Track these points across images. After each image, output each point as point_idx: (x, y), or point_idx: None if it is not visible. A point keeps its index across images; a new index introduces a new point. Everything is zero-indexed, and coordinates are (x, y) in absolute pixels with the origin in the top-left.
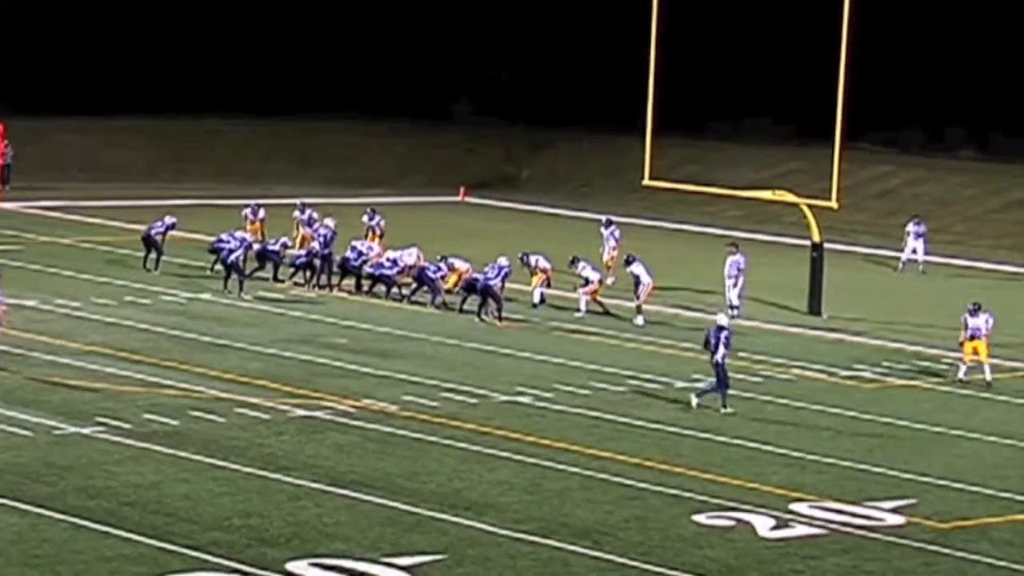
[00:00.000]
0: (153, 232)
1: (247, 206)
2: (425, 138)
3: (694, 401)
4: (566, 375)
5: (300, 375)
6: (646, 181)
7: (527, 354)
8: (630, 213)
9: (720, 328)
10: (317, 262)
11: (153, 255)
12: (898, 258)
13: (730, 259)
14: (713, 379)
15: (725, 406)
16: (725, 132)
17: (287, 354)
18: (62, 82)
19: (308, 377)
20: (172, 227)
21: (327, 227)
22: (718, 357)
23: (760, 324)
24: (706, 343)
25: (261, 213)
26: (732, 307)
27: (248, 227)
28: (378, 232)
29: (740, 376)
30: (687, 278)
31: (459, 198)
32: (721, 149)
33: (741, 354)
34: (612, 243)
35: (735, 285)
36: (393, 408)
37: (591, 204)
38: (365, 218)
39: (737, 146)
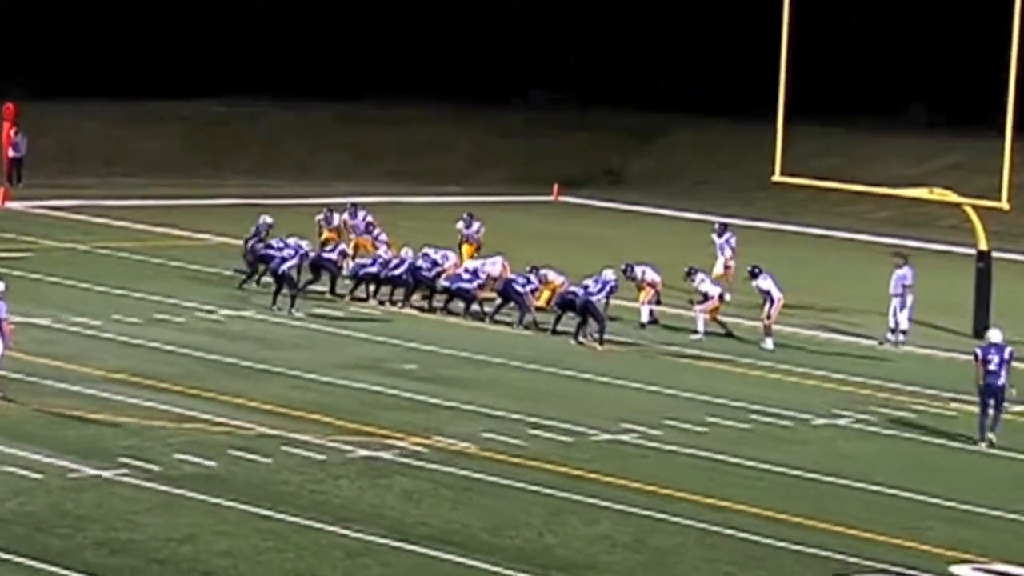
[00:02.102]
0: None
1: (321, 209)
2: (505, 125)
3: (990, 438)
4: (679, 409)
5: (361, 408)
6: (776, 177)
7: (632, 383)
8: (755, 214)
9: (999, 348)
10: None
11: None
12: None
13: (896, 273)
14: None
15: (994, 430)
16: (871, 120)
17: (345, 382)
18: (82, 61)
19: (370, 410)
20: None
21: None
22: (1002, 381)
23: (914, 349)
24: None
25: (336, 219)
26: (895, 331)
27: (326, 234)
28: (475, 242)
29: (888, 411)
30: (825, 293)
31: (551, 197)
32: (866, 140)
33: (892, 384)
34: (729, 252)
35: (903, 306)
36: (472, 448)
37: (709, 204)
38: (460, 224)
39: (885, 137)
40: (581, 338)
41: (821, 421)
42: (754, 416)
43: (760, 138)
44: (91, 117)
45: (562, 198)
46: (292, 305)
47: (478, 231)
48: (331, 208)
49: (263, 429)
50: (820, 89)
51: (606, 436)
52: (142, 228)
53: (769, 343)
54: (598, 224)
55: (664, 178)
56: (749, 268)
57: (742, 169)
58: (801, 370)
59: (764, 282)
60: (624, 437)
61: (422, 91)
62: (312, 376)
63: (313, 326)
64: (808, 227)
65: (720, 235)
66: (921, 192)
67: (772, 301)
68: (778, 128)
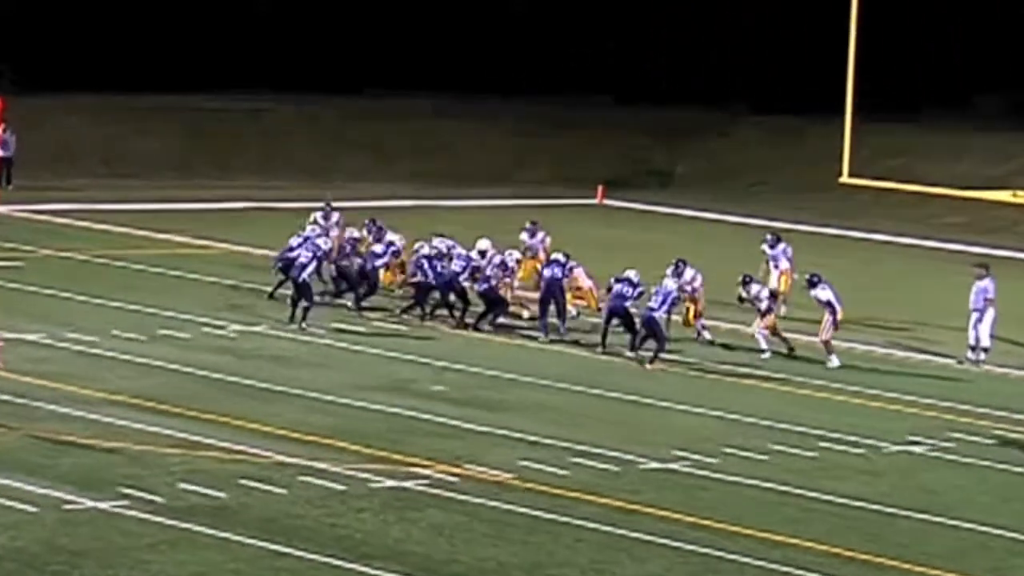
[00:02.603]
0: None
1: (320, 209)
2: (543, 120)
3: None
4: (738, 434)
5: (386, 433)
6: (844, 178)
7: (687, 406)
8: (814, 219)
9: None
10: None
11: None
12: None
13: (977, 285)
14: None
15: None
16: (945, 115)
17: (368, 405)
18: (75, 52)
19: (396, 436)
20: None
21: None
22: None
23: (993, 368)
24: None
25: (335, 217)
26: (975, 348)
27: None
28: (542, 254)
29: (969, 436)
30: (895, 305)
31: (595, 200)
32: (939, 136)
33: (973, 407)
34: (786, 264)
35: (981, 320)
36: (508, 477)
37: (765, 207)
38: (525, 236)
39: (957, 132)
40: (629, 353)
41: (895, 448)
42: (821, 443)
43: (820, 136)
44: (86, 113)
45: (607, 201)
46: (303, 318)
47: (543, 241)
48: (331, 207)
49: (278, 457)
50: (882, 80)
51: (657, 465)
52: (143, 234)
53: (835, 360)
54: (647, 229)
55: (716, 179)
56: (808, 276)
57: (801, 170)
58: (872, 391)
59: (823, 292)
60: (677, 466)
61: (435, 84)
62: (332, 398)
63: (333, 343)
64: (872, 233)
65: (772, 246)
66: (1003, 195)
67: (833, 313)
68: (845, 125)
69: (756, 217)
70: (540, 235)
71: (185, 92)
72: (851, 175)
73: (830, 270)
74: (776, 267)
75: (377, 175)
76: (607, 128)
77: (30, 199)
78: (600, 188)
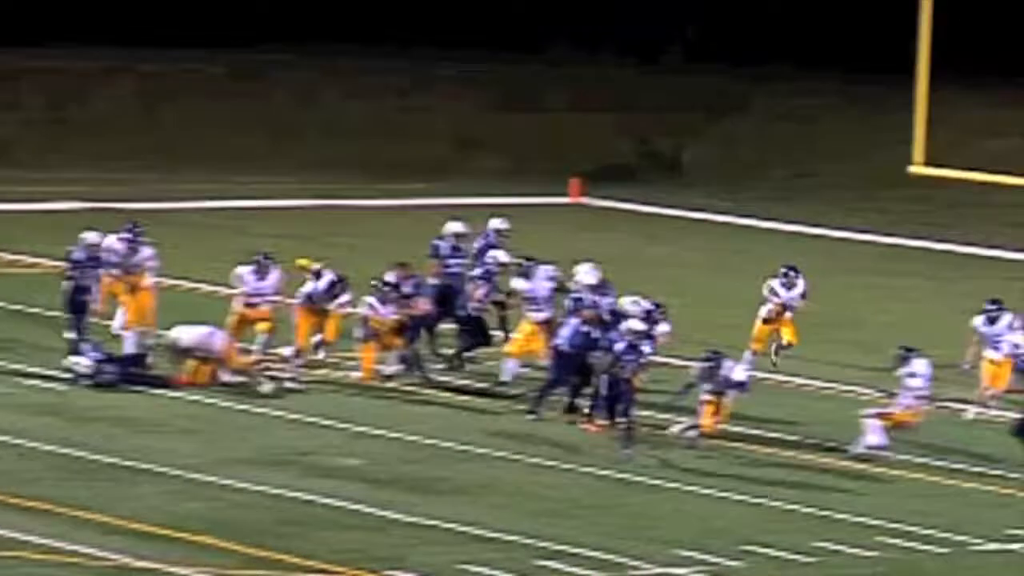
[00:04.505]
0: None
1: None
2: (501, 88)
3: None
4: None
5: (277, 526)
6: (915, 168)
7: (718, 492)
8: (879, 225)
9: None
10: None
11: None
12: None
13: None
14: None
15: None
16: None
17: (252, 486)
18: None
19: (292, 529)
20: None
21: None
22: None
23: None
24: None
25: (275, 274)
26: None
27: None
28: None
29: None
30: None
31: (568, 199)
32: None
33: None
34: (1007, 352)
35: None
36: None
37: (811, 208)
38: (776, 284)
39: None
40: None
41: None
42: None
43: (888, 109)
44: (36, 73)
45: (584, 199)
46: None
47: (804, 293)
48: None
49: (123, 559)
50: (975, 37)
51: (659, 570)
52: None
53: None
54: (641, 237)
55: (744, 169)
56: (901, 347)
57: (861, 155)
58: None
59: (923, 366)
60: (683, 571)
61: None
62: (199, 476)
63: (206, 400)
64: (963, 245)
65: (992, 321)
66: None
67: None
68: (917, 94)
69: (795, 222)
70: (800, 285)
71: (146, 45)
72: (928, 163)
73: (911, 299)
74: (991, 347)
75: (459, 167)
76: (587, 98)
77: None
78: (574, 182)
